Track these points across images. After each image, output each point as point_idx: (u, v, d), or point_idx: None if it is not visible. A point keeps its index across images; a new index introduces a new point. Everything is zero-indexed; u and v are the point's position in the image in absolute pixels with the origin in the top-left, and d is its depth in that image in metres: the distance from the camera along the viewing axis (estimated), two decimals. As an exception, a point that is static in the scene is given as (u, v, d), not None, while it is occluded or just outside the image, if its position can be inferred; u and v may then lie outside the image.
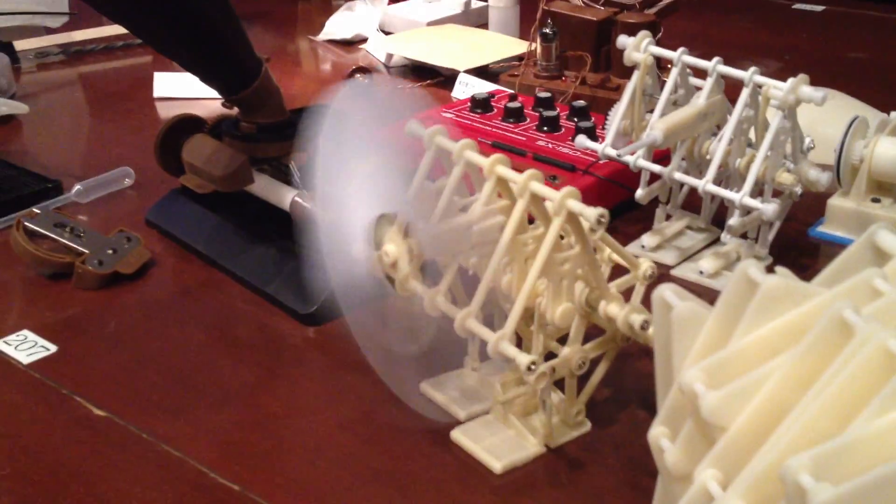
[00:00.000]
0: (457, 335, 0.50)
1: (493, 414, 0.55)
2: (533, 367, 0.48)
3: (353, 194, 0.51)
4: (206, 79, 0.69)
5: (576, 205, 0.48)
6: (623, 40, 0.68)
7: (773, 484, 0.32)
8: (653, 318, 0.39)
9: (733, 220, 0.65)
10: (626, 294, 0.53)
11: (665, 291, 0.38)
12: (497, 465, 0.52)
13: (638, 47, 0.68)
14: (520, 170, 0.71)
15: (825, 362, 0.33)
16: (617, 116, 0.70)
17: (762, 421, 0.34)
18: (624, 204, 0.78)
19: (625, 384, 0.58)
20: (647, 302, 0.51)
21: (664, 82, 0.69)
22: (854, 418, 0.31)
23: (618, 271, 0.54)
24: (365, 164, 0.51)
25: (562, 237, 0.51)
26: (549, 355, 0.52)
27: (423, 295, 0.52)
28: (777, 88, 0.62)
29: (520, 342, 0.52)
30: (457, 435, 0.54)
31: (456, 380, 0.58)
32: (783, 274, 0.36)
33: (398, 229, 0.52)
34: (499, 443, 0.53)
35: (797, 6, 1.45)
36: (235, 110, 0.72)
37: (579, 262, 0.50)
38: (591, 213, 0.47)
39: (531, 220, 0.51)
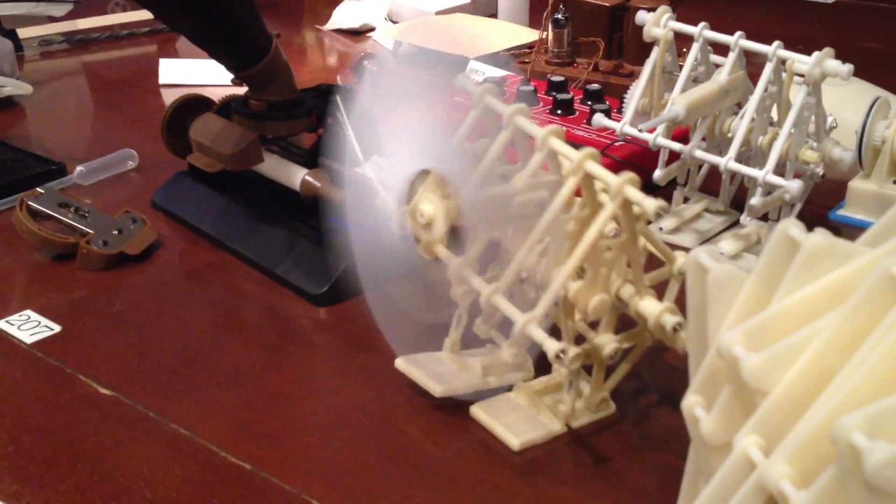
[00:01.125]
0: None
1: (515, 392, 0.53)
2: (562, 355, 0.46)
3: (393, 147, 0.50)
4: (215, 54, 0.67)
5: (634, 193, 0.46)
6: (642, 16, 0.67)
7: (820, 448, 0.30)
8: (687, 283, 0.38)
9: (755, 200, 0.63)
10: (659, 288, 0.51)
11: (700, 254, 0.37)
12: (515, 441, 0.50)
13: (658, 22, 0.66)
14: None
15: (873, 322, 0.31)
16: (636, 95, 0.68)
17: (807, 384, 0.32)
18: (641, 187, 0.76)
19: (650, 374, 0.56)
20: (681, 299, 0.50)
21: (681, 65, 0.68)
22: (907, 378, 0.30)
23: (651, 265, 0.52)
24: (408, 119, 0.49)
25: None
26: (578, 339, 0.50)
27: (449, 262, 0.49)
28: (802, 62, 0.61)
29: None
30: (476, 411, 0.52)
31: (433, 359, 0.55)
32: (823, 234, 0.35)
33: (438, 189, 0.49)
34: (518, 420, 0.51)
35: (808, -2, 1.44)
36: (245, 88, 0.70)
37: (622, 252, 0.48)
38: (650, 205, 0.45)
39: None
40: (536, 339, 0.47)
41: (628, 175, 0.46)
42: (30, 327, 0.62)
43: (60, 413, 0.53)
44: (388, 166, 0.51)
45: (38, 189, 0.72)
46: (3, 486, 0.48)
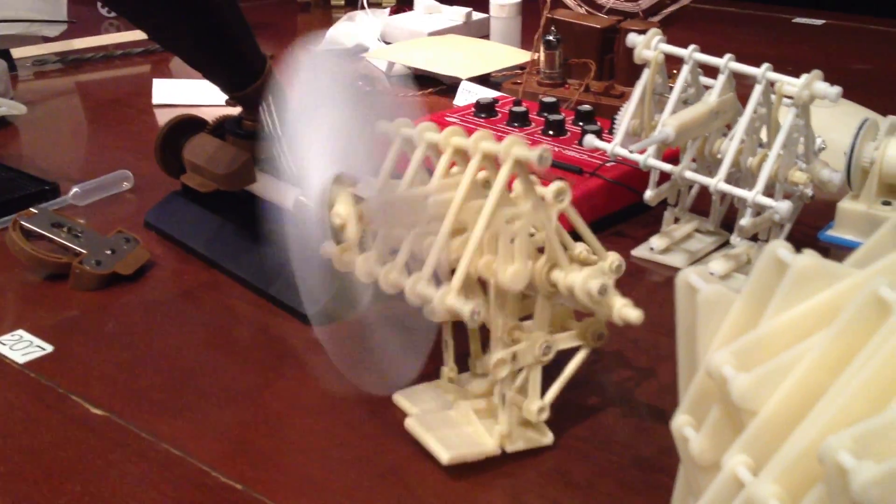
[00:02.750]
0: None
1: (455, 410, 0.53)
2: (476, 315, 0.45)
3: (315, 150, 0.51)
4: (210, 75, 0.67)
5: (521, 150, 0.46)
6: (633, 38, 0.68)
7: (808, 467, 0.31)
8: (676, 303, 0.38)
9: (744, 221, 0.64)
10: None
11: (690, 275, 0.37)
12: (445, 455, 0.49)
13: (648, 45, 0.67)
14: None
15: (861, 342, 0.32)
16: (626, 116, 0.69)
17: (795, 404, 0.32)
18: (632, 207, 0.77)
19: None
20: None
21: (671, 87, 0.68)
22: (894, 398, 0.30)
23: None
24: (327, 122, 0.50)
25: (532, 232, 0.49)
26: None
27: (363, 266, 0.50)
28: (791, 84, 0.61)
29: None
30: (410, 423, 0.51)
31: (432, 392, 0.55)
32: (812, 255, 0.35)
33: (351, 192, 0.50)
34: (452, 435, 0.50)
35: (797, 20, 1.45)
36: (238, 109, 0.71)
37: (532, 220, 0.47)
38: (532, 154, 0.45)
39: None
40: (456, 308, 0.46)
41: (513, 138, 0.46)
42: (22, 347, 0.62)
43: (52, 433, 0.53)
44: (307, 170, 0.51)
45: (31, 209, 0.72)
46: (-5, 507, 0.48)
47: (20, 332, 0.63)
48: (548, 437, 0.52)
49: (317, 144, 0.52)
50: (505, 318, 0.49)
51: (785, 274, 0.34)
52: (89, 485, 0.49)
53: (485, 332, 0.53)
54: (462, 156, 0.51)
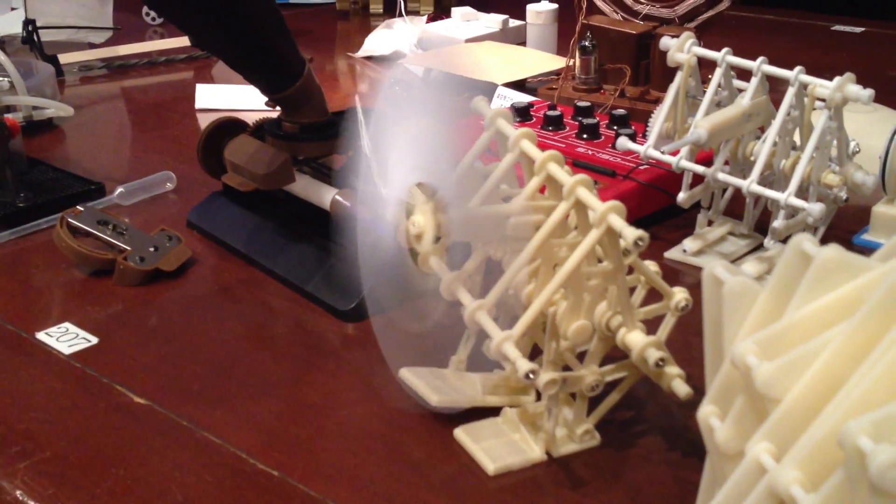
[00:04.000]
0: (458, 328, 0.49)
1: (501, 417, 0.53)
2: (532, 375, 0.46)
3: (396, 158, 0.51)
4: (250, 76, 0.69)
5: (617, 220, 0.46)
6: (666, 41, 0.68)
7: (829, 453, 0.31)
8: (703, 296, 0.39)
9: (777, 223, 0.64)
10: (656, 322, 0.51)
11: (716, 267, 0.38)
12: (491, 466, 0.50)
13: (682, 48, 0.68)
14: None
15: (882, 332, 0.32)
16: (659, 118, 0.70)
17: (817, 392, 0.33)
18: (665, 210, 0.78)
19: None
20: (673, 337, 0.50)
21: (705, 91, 0.69)
22: (914, 387, 0.31)
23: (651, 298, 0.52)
24: (412, 129, 0.50)
25: (599, 260, 0.49)
26: (565, 368, 0.51)
27: (441, 275, 0.50)
28: (823, 87, 0.62)
29: (538, 353, 0.51)
30: (458, 433, 0.52)
31: (437, 372, 0.56)
32: (836, 248, 0.36)
33: (432, 202, 0.51)
34: (498, 445, 0.51)
35: (836, 28, 1.44)
36: (278, 111, 0.72)
37: (608, 281, 0.48)
38: (630, 234, 0.45)
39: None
40: (510, 357, 0.46)
41: (613, 203, 0.46)
42: (68, 339, 0.64)
43: (97, 420, 0.55)
44: (391, 178, 0.52)
45: (78, 207, 0.75)
46: (41, 490, 0.50)
47: (66, 324, 0.65)
48: (595, 439, 0.52)
49: (401, 151, 0.52)
50: (559, 344, 0.50)
51: (809, 267, 0.35)
52: (132, 469, 0.51)
53: None
54: (554, 183, 0.50)
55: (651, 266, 0.52)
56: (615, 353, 0.51)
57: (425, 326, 0.52)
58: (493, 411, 0.54)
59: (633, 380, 0.52)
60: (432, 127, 0.51)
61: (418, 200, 0.51)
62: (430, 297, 0.52)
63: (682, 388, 0.48)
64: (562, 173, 0.49)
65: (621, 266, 0.48)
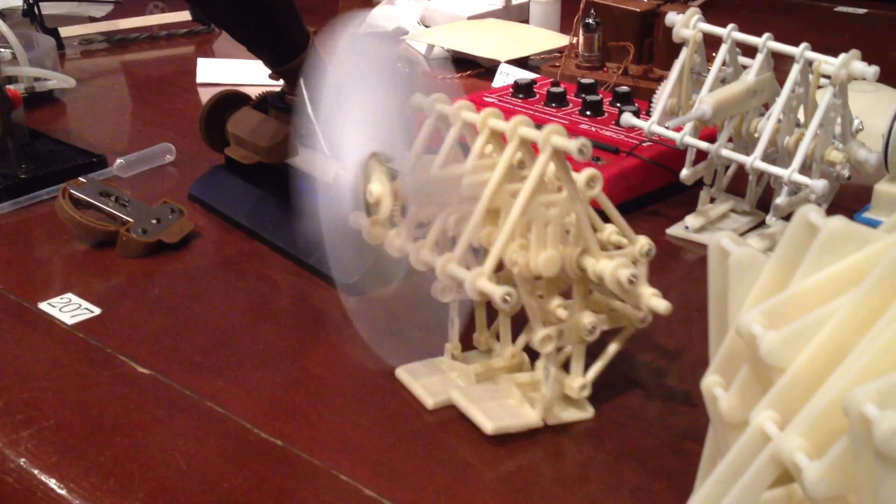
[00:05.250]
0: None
1: (497, 382, 0.54)
2: (508, 298, 0.46)
3: (353, 126, 0.51)
4: (254, 49, 0.69)
5: (559, 139, 0.47)
6: (672, 17, 0.68)
7: (833, 421, 0.32)
8: (709, 267, 0.39)
9: (780, 199, 0.64)
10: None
11: (722, 238, 0.38)
12: (489, 425, 0.50)
13: (687, 24, 0.68)
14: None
15: (888, 302, 0.32)
16: (664, 94, 0.70)
17: (822, 361, 0.33)
18: (668, 187, 0.78)
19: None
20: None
21: (709, 68, 0.69)
22: (919, 355, 0.31)
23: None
24: (366, 99, 0.51)
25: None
26: None
27: (394, 242, 0.51)
28: (828, 64, 0.62)
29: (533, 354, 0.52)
30: (455, 395, 0.52)
31: (433, 367, 0.56)
32: (842, 219, 0.36)
33: (387, 170, 0.51)
34: (496, 407, 0.51)
35: (839, 9, 1.44)
36: (281, 83, 0.72)
37: (567, 208, 0.48)
38: (572, 144, 0.46)
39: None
40: (486, 290, 0.47)
41: (553, 126, 0.47)
42: (71, 309, 0.64)
43: (100, 389, 0.55)
44: (345, 147, 0.52)
45: (80, 178, 0.75)
46: (44, 458, 0.50)
47: (69, 295, 0.65)
48: (588, 412, 0.53)
49: (355, 121, 0.53)
50: (540, 299, 0.50)
51: (815, 237, 0.35)
52: (136, 438, 0.51)
53: (491, 311, 0.54)
54: (498, 139, 0.51)
55: (644, 241, 0.52)
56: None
57: (389, 287, 0.53)
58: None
59: (627, 334, 0.53)
60: (383, 96, 0.51)
61: (374, 169, 0.52)
62: (389, 261, 0.53)
63: (660, 303, 0.49)
64: (502, 123, 0.50)
65: (575, 189, 0.48)
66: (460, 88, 1.09)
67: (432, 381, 0.54)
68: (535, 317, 0.49)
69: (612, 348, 0.53)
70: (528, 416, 0.51)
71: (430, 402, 0.53)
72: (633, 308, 0.52)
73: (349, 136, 0.53)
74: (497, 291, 0.46)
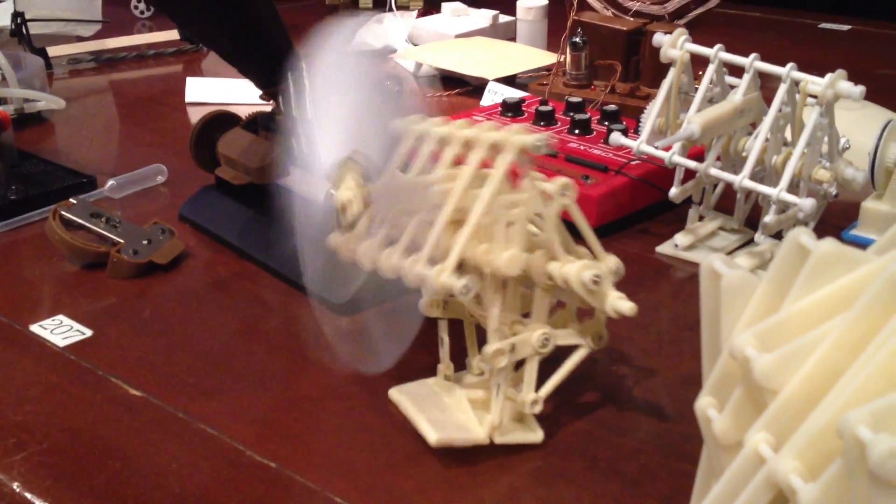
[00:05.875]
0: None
1: (449, 397, 0.53)
2: (467, 289, 0.46)
3: (330, 133, 0.52)
4: (243, 69, 0.69)
5: (520, 137, 0.47)
6: (660, 38, 0.69)
7: (827, 443, 0.32)
8: (701, 289, 0.39)
9: (769, 218, 0.65)
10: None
11: (714, 261, 0.38)
12: (433, 436, 0.49)
13: (675, 44, 0.68)
14: (551, 171, 0.71)
15: (880, 324, 0.33)
16: (652, 114, 0.70)
17: (815, 383, 0.33)
18: (656, 205, 0.78)
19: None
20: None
21: (696, 87, 0.70)
22: (911, 377, 0.31)
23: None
24: (347, 106, 0.51)
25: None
26: None
27: (360, 245, 0.52)
28: (815, 83, 0.62)
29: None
30: (400, 397, 0.52)
31: (428, 390, 0.55)
32: (833, 241, 0.36)
33: (358, 174, 0.52)
34: (443, 420, 0.51)
35: (823, 25, 1.46)
36: (272, 104, 0.72)
37: (530, 207, 0.48)
38: (530, 139, 0.47)
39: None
40: (447, 284, 0.47)
41: (517, 126, 0.48)
42: (62, 331, 0.63)
43: (92, 412, 0.55)
44: (318, 152, 0.53)
45: (70, 199, 0.75)
46: (37, 482, 0.50)
47: (60, 317, 0.65)
48: (538, 434, 0.52)
49: (332, 128, 0.53)
50: (502, 309, 0.50)
51: (807, 259, 0.36)
52: (129, 461, 0.51)
53: (482, 331, 0.54)
54: (470, 148, 0.52)
55: (612, 260, 0.51)
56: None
57: (349, 294, 0.54)
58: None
59: (585, 352, 0.52)
60: (358, 99, 0.52)
61: (345, 174, 0.52)
62: (348, 267, 0.53)
63: (624, 305, 0.48)
64: (470, 130, 0.51)
65: (538, 190, 0.48)
66: (447, 107, 1.10)
67: (435, 417, 0.53)
68: (493, 329, 0.49)
69: (568, 365, 0.52)
70: (475, 431, 0.51)
71: (433, 437, 0.51)
72: (598, 315, 0.51)
73: (325, 142, 0.53)
74: (457, 284, 0.47)
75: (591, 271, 0.48)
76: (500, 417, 0.51)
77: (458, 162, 0.52)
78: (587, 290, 0.48)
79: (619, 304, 0.49)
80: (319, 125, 0.54)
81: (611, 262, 0.51)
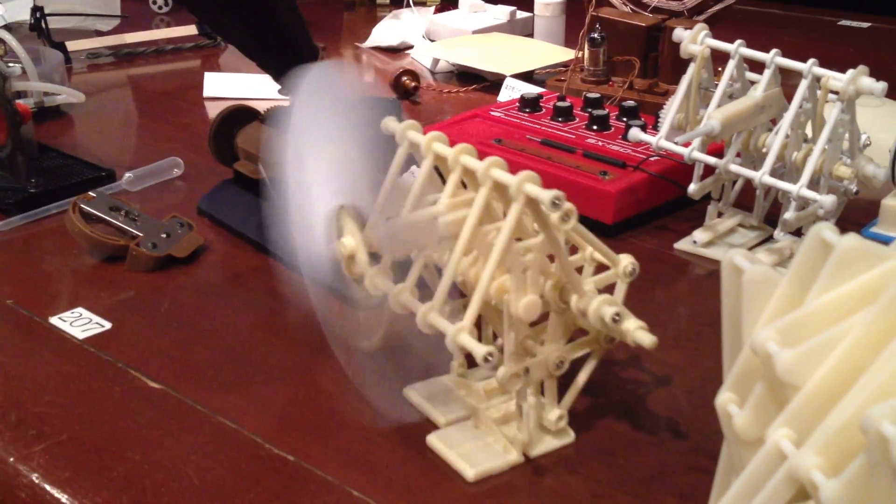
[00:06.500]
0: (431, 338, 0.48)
1: (473, 420, 0.53)
2: (490, 358, 0.45)
3: (317, 180, 0.50)
4: (263, 64, 0.69)
5: (532, 188, 0.45)
6: (680, 33, 0.68)
7: (849, 439, 0.32)
8: (722, 285, 0.39)
9: (788, 214, 0.64)
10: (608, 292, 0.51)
11: (735, 256, 0.38)
12: (470, 472, 0.49)
13: (695, 39, 0.68)
14: (569, 166, 0.70)
15: (903, 320, 0.32)
16: (672, 110, 0.70)
17: (837, 380, 0.33)
18: (675, 201, 0.78)
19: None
20: (628, 300, 0.50)
21: (716, 84, 0.69)
22: (935, 374, 0.31)
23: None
24: (331, 148, 0.49)
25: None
26: None
27: (388, 292, 0.50)
28: (836, 79, 0.62)
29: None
30: (433, 440, 0.52)
31: (440, 385, 0.55)
32: (856, 237, 0.36)
33: (357, 222, 0.50)
34: (474, 450, 0.51)
35: (843, 22, 1.45)
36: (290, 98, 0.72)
37: (544, 251, 0.48)
38: (545, 195, 0.44)
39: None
40: (467, 346, 0.46)
41: (526, 173, 0.46)
42: (81, 324, 0.64)
43: (111, 404, 0.55)
44: (314, 202, 0.51)
45: (90, 193, 0.75)
46: (57, 472, 0.50)
47: (80, 309, 0.66)
48: (569, 437, 0.52)
49: (319, 174, 0.51)
50: (518, 332, 0.49)
51: (829, 255, 0.35)
52: (148, 453, 0.51)
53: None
54: (471, 176, 0.50)
55: (627, 260, 0.51)
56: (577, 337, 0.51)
57: (373, 344, 0.52)
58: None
59: (598, 357, 0.52)
60: (347, 144, 0.49)
61: (345, 222, 0.51)
62: (369, 314, 0.51)
63: (646, 337, 0.48)
64: (475, 162, 0.49)
65: (553, 236, 0.47)
66: (465, 102, 1.10)
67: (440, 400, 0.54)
68: (509, 352, 0.48)
69: (583, 376, 0.52)
70: (507, 455, 0.50)
71: (471, 473, 0.50)
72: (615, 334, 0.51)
73: (314, 191, 0.51)
74: (479, 350, 0.45)
75: (612, 309, 0.47)
76: (529, 435, 0.51)
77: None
78: (607, 327, 0.48)
79: (640, 335, 0.48)
80: (312, 175, 0.52)
81: (626, 264, 0.51)
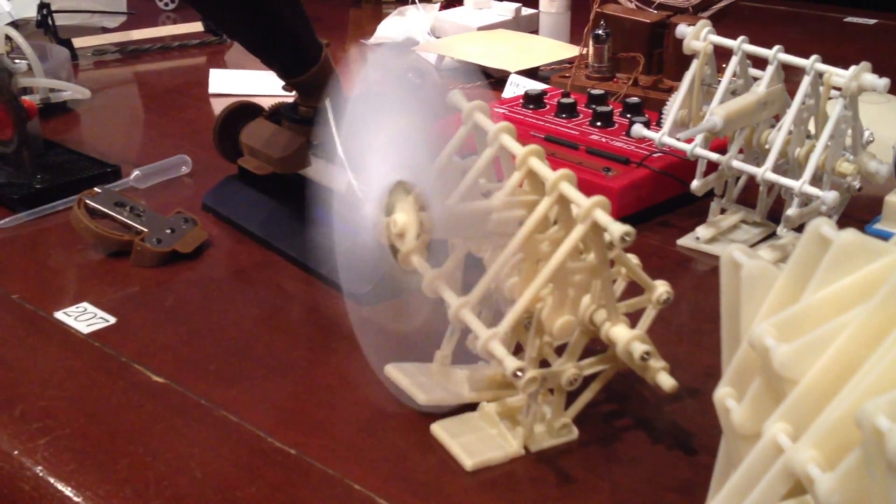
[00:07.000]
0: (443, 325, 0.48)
1: (478, 412, 0.53)
2: (520, 373, 0.45)
3: (375, 156, 0.49)
4: (267, 60, 0.70)
5: (602, 216, 0.45)
6: (683, 29, 0.69)
7: (845, 434, 0.32)
8: (721, 279, 0.39)
9: (791, 211, 0.65)
10: (636, 316, 0.51)
11: (734, 251, 0.38)
12: (469, 462, 0.49)
13: (698, 36, 0.68)
14: (572, 162, 0.70)
15: (900, 315, 0.33)
16: (674, 106, 0.70)
17: (834, 374, 0.33)
18: (678, 198, 0.78)
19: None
20: (654, 328, 0.50)
21: (720, 80, 0.69)
22: (931, 368, 0.31)
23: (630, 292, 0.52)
24: (392, 126, 0.49)
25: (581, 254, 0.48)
26: (544, 363, 0.50)
27: (424, 273, 0.49)
28: (839, 76, 0.62)
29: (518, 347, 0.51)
30: (436, 429, 0.52)
31: (423, 368, 0.55)
32: (854, 232, 0.36)
33: (413, 200, 0.49)
34: (475, 440, 0.51)
35: (849, 19, 1.44)
36: (294, 95, 0.73)
37: (592, 276, 0.48)
38: (616, 230, 0.44)
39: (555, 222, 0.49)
40: (497, 355, 0.46)
41: (598, 198, 0.45)
42: (86, 318, 0.64)
43: (115, 398, 0.56)
44: (369, 175, 0.50)
45: (95, 189, 0.75)
46: (61, 466, 0.50)
47: (84, 304, 0.66)
48: (573, 434, 0.52)
49: (381, 146, 0.50)
50: (542, 340, 0.49)
51: (827, 250, 0.35)
52: (151, 447, 0.51)
53: None
54: (534, 178, 0.49)
55: (632, 259, 0.51)
56: (591, 346, 0.51)
57: (411, 326, 0.51)
58: (472, 406, 0.54)
59: (612, 373, 0.52)
60: (410, 123, 0.49)
61: (399, 198, 0.50)
62: (413, 295, 0.51)
63: (667, 381, 0.48)
64: (544, 168, 0.48)
65: (606, 261, 0.47)
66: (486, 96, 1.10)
67: (423, 381, 0.53)
68: (530, 355, 0.49)
69: (595, 388, 0.52)
70: (508, 447, 0.51)
71: (421, 397, 0.52)
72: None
73: (375, 162, 0.50)
74: (510, 365, 0.45)
75: (643, 347, 0.47)
76: (529, 430, 0.51)
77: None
78: (632, 363, 0.48)
79: (662, 378, 0.48)
80: (364, 132, 0.52)
81: (661, 293, 0.51)
